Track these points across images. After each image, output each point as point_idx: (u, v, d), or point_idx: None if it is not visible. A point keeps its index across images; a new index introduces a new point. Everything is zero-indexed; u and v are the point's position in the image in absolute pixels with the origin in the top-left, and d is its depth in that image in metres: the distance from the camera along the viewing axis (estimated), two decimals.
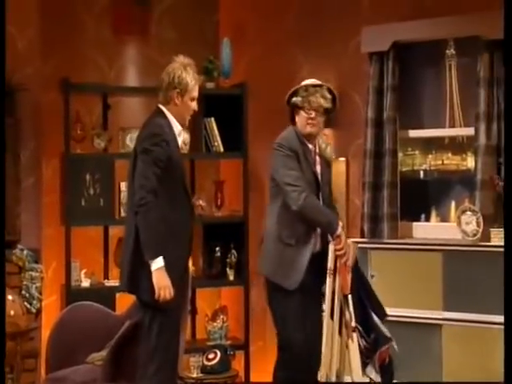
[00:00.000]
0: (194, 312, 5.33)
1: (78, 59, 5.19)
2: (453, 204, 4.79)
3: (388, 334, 3.62)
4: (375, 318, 3.64)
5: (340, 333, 3.57)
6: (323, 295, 3.66)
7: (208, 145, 5.29)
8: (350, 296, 3.62)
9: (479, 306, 4.18)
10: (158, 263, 3.24)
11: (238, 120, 5.27)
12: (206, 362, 4.00)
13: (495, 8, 4.48)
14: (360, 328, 3.57)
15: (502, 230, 4.30)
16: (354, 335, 3.56)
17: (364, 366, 3.55)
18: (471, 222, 4.38)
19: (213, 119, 5.26)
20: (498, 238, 4.28)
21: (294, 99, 3.73)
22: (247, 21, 5.53)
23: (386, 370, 3.62)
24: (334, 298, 3.58)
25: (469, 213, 4.40)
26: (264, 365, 5.35)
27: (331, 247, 3.63)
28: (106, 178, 5.03)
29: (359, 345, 3.54)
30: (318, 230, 3.69)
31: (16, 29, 4.87)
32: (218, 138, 5.29)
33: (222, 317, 5.20)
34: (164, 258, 3.26)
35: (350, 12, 5.05)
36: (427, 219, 4.87)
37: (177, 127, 3.44)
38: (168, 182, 3.32)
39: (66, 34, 5.16)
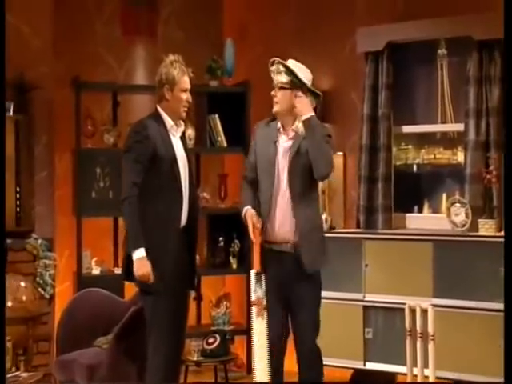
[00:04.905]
0: (199, 298, 5.34)
1: (89, 59, 5.20)
2: (444, 196, 4.77)
3: None
4: None
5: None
6: None
7: (212, 140, 5.29)
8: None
9: (467, 293, 4.16)
10: (137, 254, 3.27)
11: (241, 116, 5.27)
12: (205, 346, 4.01)
13: (485, 10, 4.46)
14: None
15: (489, 220, 4.29)
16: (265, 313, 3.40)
17: None
18: (460, 214, 4.36)
19: (216, 116, 5.27)
20: (485, 228, 4.26)
21: None
22: (249, 22, 5.53)
23: None
24: None
25: (458, 204, 4.38)
26: None
27: None
28: (116, 172, 5.00)
29: None
30: None
31: (30, 29, 4.89)
32: (222, 134, 5.29)
33: (225, 303, 5.20)
34: (151, 247, 3.27)
35: (345, 13, 5.04)
36: (420, 211, 4.85)
37: (169, 122, 3.44)
38: (155, 176, 3.33)
39: (78, 35, 5.18)
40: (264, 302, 3.40)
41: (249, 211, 3.44)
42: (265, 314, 3.39)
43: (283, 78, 3.42)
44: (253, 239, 3.42)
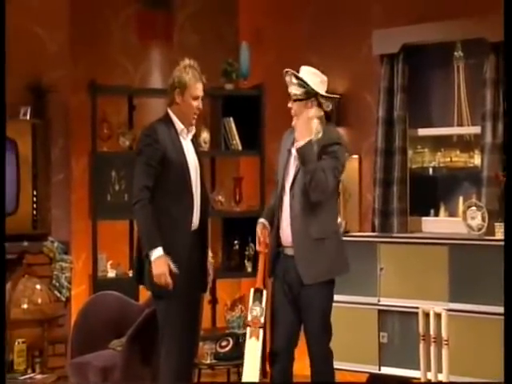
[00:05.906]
0: (214, 302, 5.34)
1: (105, 63, 5.23)
2: (460, 200, 4.73)
3: None
4: None
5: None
6: None
7: (227, 143, 5.30)
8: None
9: (483, 297, 4.11)
10: (155, 254, 3.27)
11: (256, 120, 5.27)
12: (218, 349, 4.02)
13: (501, 11, 4.40)
14: None
15: None
16: (261, 331, 3.37)
17: None
18: (477, 217, 4.32)
19: (231, 119, 5.27)
20: (501, 232, 4.21)
21: None
22: (265, 26, 5.52)
23: None
24: None
25: (474, 208, 4.34)
26: None
27: None
28: (131, 175, 4.95)
29: None
30: None
31: (46, 33, 4.93)
32: (237, 137, 5.29)
33: (240, 306, 5.19)
34: (165, 248, 3.27)
35: (361, 16, 5.02)
36: (436, 214, 4.81)
37: (179, 126, 3.44)
38: (166, 178, 3.34)
39: (95, 39, 5.21)
40: (262, 320, 3.38)
41: (260, 224, 3.51)
42: (260, 333, 3.37)
43: (296, 91, 3.37)
44: (258, 250, 3.47)
